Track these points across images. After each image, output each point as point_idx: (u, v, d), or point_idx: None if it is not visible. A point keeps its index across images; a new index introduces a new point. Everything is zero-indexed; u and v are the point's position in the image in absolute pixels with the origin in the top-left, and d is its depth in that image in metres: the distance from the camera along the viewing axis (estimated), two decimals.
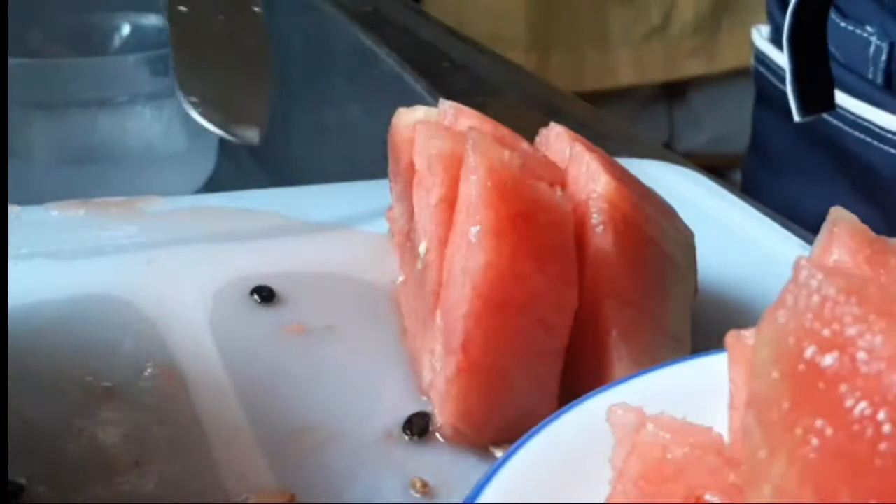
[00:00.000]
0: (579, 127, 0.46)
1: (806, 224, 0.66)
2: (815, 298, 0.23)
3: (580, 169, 0.41)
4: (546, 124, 0.46)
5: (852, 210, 0.35)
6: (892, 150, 0.68)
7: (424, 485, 0.35)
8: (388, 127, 0.47)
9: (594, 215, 0.39)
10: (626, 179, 0.42)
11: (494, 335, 0.36)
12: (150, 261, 0.49)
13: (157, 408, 0.39)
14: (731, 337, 0.29)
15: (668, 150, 0.69)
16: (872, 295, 0.22)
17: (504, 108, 0.73)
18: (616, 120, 0.72)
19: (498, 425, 0.38)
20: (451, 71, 0.77)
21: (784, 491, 0.22)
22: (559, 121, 0.45)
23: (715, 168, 0.81)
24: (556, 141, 0.44)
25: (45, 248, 0.49)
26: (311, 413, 0.39)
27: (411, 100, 0.71)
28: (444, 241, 0.39)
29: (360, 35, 0.82)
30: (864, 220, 0.35)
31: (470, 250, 0.36)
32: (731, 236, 0.54)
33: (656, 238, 0.41)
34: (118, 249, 0.50)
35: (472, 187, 0.36)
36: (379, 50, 0.78)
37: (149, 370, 0.41)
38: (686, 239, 0.43)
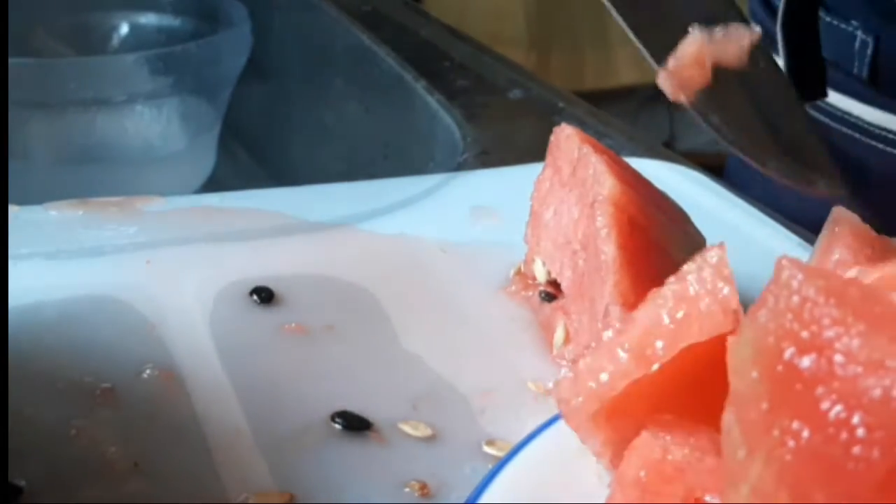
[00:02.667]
0: (579, 126, 0.46)
1: (790, 221, 0.66)
2: (795, 299, 0.23)
3: (587, 171, 0.41)
4: (546, 124, 0.46)
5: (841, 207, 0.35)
6: (881, 146, 0.67)
7: (423, 486, 0.35)
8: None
9: (598, 218, 0.39)
10: (634, 183, 0.41)
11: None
12: (149, 261, 0.49)
13: (156, 408, 0.39)
14: (730, 337, 0.29)
15: (668, 150, 0.68)
16: (852, 296, 0.22)
17: (504, 107, 0.73)
18: (616, 120, 0.72)
19: None
20: (451, 71, 0.77)
21: (760, 491, 0.22)
22: (559, 120, 0.45)
23: (715, 168, 0.80)
24: (566, 142, 0.44)
25: (44, 248, 0.49)
26: (310, 413, 0.39)
27: (411, 100, 0.71)
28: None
29: (360, 35, 0.81)
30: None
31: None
32: (731, 236, 0.54)
33: (662, 242, 0.40)
34: (117, 249, 0.50)
35: None
36: (379, 50, 0.78)
37: (148, 371, 0.41)
38: (696, 245, 0.43)
